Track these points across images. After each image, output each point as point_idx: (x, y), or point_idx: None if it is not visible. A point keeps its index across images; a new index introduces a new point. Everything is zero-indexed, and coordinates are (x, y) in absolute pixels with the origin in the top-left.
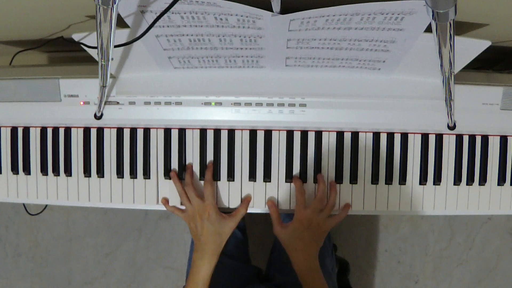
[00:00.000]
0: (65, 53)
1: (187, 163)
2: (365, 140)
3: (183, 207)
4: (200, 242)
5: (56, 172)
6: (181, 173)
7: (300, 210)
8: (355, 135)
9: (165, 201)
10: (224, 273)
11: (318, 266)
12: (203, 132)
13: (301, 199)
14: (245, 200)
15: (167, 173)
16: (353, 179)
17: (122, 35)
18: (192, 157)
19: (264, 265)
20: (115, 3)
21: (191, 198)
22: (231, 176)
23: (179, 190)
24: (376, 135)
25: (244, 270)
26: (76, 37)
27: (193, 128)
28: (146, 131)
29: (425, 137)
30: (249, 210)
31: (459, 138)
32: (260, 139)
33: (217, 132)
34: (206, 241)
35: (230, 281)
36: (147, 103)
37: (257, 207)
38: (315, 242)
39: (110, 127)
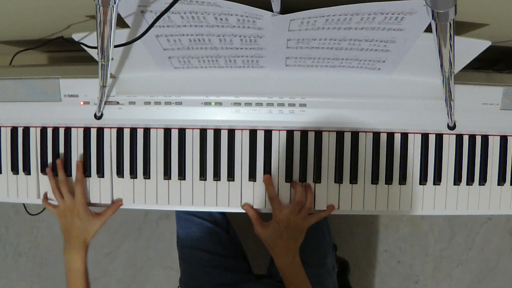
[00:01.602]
0: (65, 53)
1: (186, 163)
2: (365, 140)
3: (56, 203)
4: (68, 237)
5: (56, 172)
6: (181, 173)
7: (277, 213)
8: (355, 135)
9: (44, 199)
10: (210, 268)
11: (299, 262)
12: (203, 132)
13: (274, 203)
14: (116, 204)
15: (167, 173)
16: (353, 179)
17: (122, 35)
18: (192, 157)
19: (265, 264)
20: (115, 3)
21: (64, 194)
22: (231, 176)
23: (52, 186)
24: (376, 135)
25: (235, 265)
26: (76, 37)
27: (193, 128)
28: (146, 131)
29: (425, 137)
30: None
31: (459, 138)
32: (260, 139)
33: (217, 132)
34: (73, 235)
35: (218, 275)
36: (147, 103)
37: (258, 207)
38: (294, 240)
39: (110, 127)
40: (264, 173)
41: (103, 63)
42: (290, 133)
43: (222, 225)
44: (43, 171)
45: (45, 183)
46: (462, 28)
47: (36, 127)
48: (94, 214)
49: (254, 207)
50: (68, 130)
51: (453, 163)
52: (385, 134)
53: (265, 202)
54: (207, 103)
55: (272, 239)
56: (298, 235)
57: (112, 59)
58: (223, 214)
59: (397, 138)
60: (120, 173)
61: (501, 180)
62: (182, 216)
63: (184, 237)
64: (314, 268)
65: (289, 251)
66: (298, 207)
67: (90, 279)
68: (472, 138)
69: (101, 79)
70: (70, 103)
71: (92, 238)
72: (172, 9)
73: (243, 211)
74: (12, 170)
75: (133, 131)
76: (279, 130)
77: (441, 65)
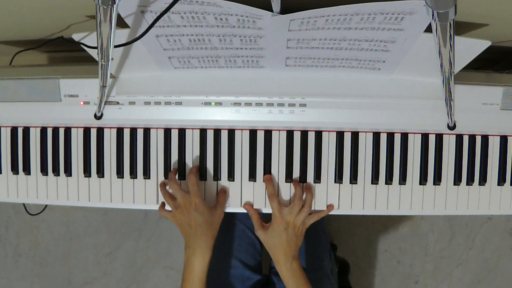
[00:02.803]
0: (65, 53)
1: (186, 163)
2: (365, 140)
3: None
4: (190, 237)
5: (56, 172)
6: (181, 173)
7: (276, 214)
8: (355, 135)
9: (161, 206)
10: (240, 283)
11: (299, 264)
12: (203, 132)
13: (274, 202)
14: (222, 190)
15: (167, 173)
16: (353, 179)
17: (122, 35)
18: (192, 157)
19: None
20: (115, 3)
21: (175, 193)
22: (231, 176)
23: (162, 192)
24: (376, 135)
25: (258, 280)
26: (76, 37)
27: (193, 128)
28: (146, 131)
29: (425, 137)
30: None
31: (459, 138)
32: (260, 139)
33: (217, 132)
34: (197, 233)
35: None
36: (147, 103)
37: (258, 207)
38: (293, 241)
39: (110, 127)
40: (264, 173)
41: (103, 63)
42: (290, 133)
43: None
44: (43, 171)
45: (45, 183)
46: (462, 28)
47: (36, 127)
48: (211, 207)
49: (254, 207)
50: (68, 130)
51: (453, 163)
52: (385, 134)
53: (265, 202)
54: (207, 103)
55: (272, 241)
56: (298, 236)
57: (112, 59)
58: None
59: (397, 138)
60: (120, 173)
61: (501, 180)
62: (225, 218)
63: (220, 240)
64: (311, 273)
65: (289, 253)
66: (297, 208)
67: (90, 279)
68: (472, 138)
69: (101, 79)
70: (70, 103)
71: (216, 235)
72: (172, 9)
73: (244, 210)
74: (12, 170)
75: (133, 131)
76: (279, 130)
77: (441, 65)
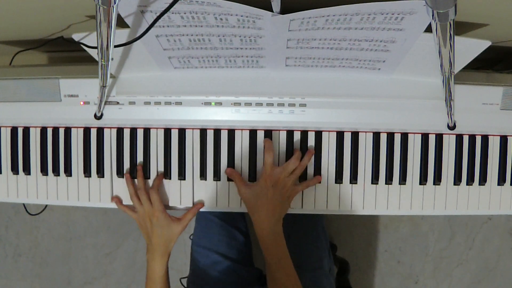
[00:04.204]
0: (65, 53)
1: (186, 163)
2: (365, 140)
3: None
4: (150, 243)
5: (56, 172)
6: (181, 173)
7: (267, 168)
8: (355, 135)
9: (117, 200)
10: (227, 276)
11: (281, 231)
12: (203, 132)
13: (269, 158)
14: (195, 206)
15: (167, 173)
16: (353, 179)
17: (122, 35)
18: (192, 157)
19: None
20: (115, 3)
21: (143, 201)
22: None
23: (131, 192)
24: (376, 135)
25: (246, 272)
26: (76, 37)
27: (193, 128)
28: (146, 131)
29: (425, 137)
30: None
31: (459, 138)
32: (260, 139)
33: (217, 132)
34: (155, 243)
35: (232, 284)
36: (147, 103)
37: None
38: (280, 203)
39: (110, 127)
40: None
41: (103, 63)
42: (290, 133)
43: (242, 229)
44: (43, 171)
45: (45, 183)
46: (462, 28)
47: (36, 127)
48: (174, 219)
49: None
50: (68, 130)
51: (453, 163)
52: (385, 134)
53: None
54: (207, 103)
55: (256, 198)
56: (285, 199)
57: (112, 59)
58: (243, 218)
59: (397, 138)
60: (120, 173)
61: (501, 180)
62: (204, 215)
63: (202, 237)
64: (310, 272)
65: (272, 215)
66: (291, 167)
67: (90, 279)
68: (472, 138)
69: (101, 79)
70: (70, 103)
71: (174, 244)
72: (172, 9)
73: (244, 211)
74: (12, 170)
75: (133, 131)
76: (279, 130)
77: (441, 65)
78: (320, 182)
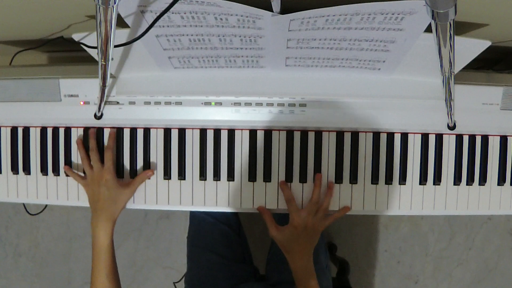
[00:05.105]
0: (65, 53)
1: (186, 163)
2: (365, 140)
3: (82, 174)
4: (95, 209)
5: (56, 172)
6: (181, 173)
7: (294, 216)
8: (355, 135)
9: (68, 167)
10: (221, 273)
11: (313, 266)
12: (203, 132)
13: (292, 206)
14: (144, 172)
15: (167, 173)
16: (353, 179)
17: (122, 35)
18: (192, 156)
19: (264, 265)
20: (115, 3)
21: (93, 162)
22: (231, 176)
23: (82, 155)
24: (376, 135)
25: (240, 269)
26: (76, 37)
27: (193, 128)
28: (146, 131)
29: (425, 137)
30: (250, 211)
31: (459, 138)
32: (260, 139)
33: (217, 132)
34: (101, 207)
35: (226, 280)
36: (147, 103)
37: (258, 207)
38: (310, 243)
39: (110, 127)
40: (264, 173)
41: (103, 63)
42: (290, 133)
43: (234, 227)
44: (43, 171)
45: (45, 183)
46: (462, 28)
47: (36, 127)
48: (123, 184)
49: (254, 206)
50: (68, 130)
51: (453, 163)
52: (385, 134)
53: (264, 202)
54: (207, 103)
55: (289, 243)
56: (314, 237)
57: (112, 59)
58: (236, 215)
59: (397, 138)
60: (120, 173)
61: (501, 180)
62: (197, 215)
63: (195, 236)
64: None
65: (305, 254)
66: (315, 208)
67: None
68: (472, 138)
69: (101, 79)
70: (70, 103)
71: (121, 211)
72: (172, 9)
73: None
74: (12, 170)
75: (133, 131)
76: (279, 130)
77: (441, 65)
78: (349, 211)
